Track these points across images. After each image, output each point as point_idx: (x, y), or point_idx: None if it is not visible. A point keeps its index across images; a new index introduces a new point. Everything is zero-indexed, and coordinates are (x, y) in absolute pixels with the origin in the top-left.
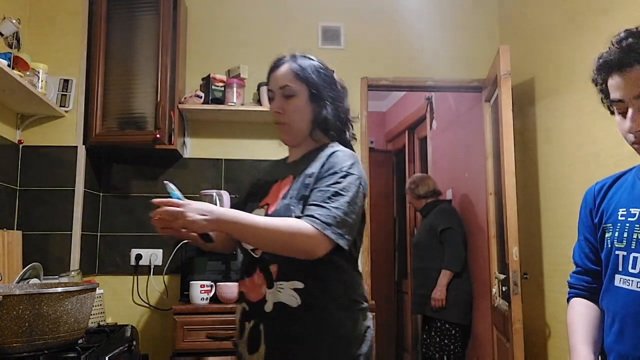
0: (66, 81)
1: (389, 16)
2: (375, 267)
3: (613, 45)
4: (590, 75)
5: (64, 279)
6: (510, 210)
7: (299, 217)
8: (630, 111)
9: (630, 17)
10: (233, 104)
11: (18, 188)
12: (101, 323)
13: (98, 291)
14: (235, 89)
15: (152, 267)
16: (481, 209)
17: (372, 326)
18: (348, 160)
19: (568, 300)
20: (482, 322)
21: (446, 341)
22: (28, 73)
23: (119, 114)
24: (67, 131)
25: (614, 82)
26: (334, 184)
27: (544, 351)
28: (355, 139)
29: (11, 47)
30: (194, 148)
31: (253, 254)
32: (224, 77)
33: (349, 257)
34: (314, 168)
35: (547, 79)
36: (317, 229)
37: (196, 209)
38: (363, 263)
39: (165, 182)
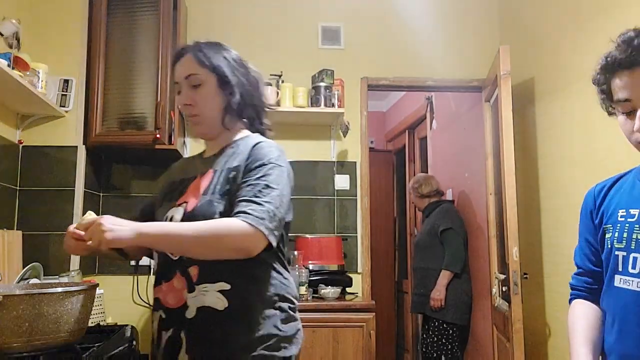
0: (66, 81)
1: (389, 16)
2: (375, 267)
3: (620, 44)
4: (592, 75)
5: (64, 279)
6: (510, 210)
7: (223, 213)
8: (639, 112)
9: (630, 17)
10: None
11: (18, 188)
12: (101, 323)
13: (98, 291)
14: None
15: (152, 267)
16: (481, 209)
17: (302, 329)
18: (274, 151)
19: (570, 301)
20: (482, 322)
21: (444, 340)
22: (28, 73)
23: (119, 114)
24: (67, 131)
25: (621, 81)
26: (263, 176)
27: (544, 351)
28: (270, 130)
29: (11, 47)
30: (194, 148)
31: (172, 257)
32: None
33: (277, 254)
34: (237, 161)
35: (547, 79)
36: (252, 225)
37: (114, 227)
38: (363, 263)
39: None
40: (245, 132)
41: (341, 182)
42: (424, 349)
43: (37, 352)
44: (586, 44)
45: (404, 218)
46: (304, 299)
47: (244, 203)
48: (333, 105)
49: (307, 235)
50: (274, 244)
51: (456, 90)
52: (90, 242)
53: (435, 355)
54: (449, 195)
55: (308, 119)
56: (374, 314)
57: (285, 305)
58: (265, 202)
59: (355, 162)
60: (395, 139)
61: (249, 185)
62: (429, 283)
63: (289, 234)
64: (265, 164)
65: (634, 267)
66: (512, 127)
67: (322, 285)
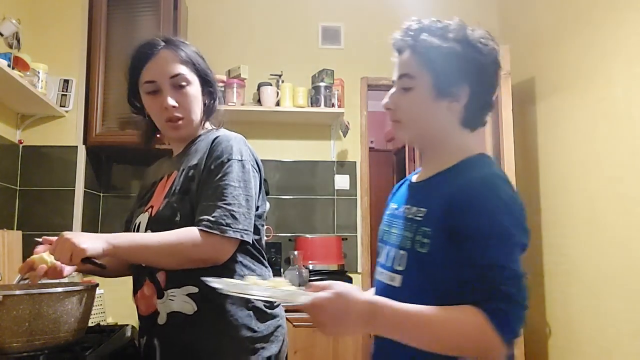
0: (66, 81)
1: (389, 16)
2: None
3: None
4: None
5: (64, 279)
6: None
7: (184, 215)
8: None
9: (630, 17)
10: (233, 104)
11: (18, 188)
12: (101, 323)
13: (98, 291)
14: (235, 89)
15: None
16: None
17: (284, 325)
18: (233, 145)
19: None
20: None
21: None
22: (28, 73)
23: (119, 114)
24: (67, 131)
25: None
26: (222, 176)
27: (544, 351)
28: (221, 122)
29: (11, 47)
30: None
31: (141, 264)
32: (224, 77)
33: (251, 249)
34: (197, 158)
35: (548, 79)
36: (216, 234)
37: (84, 237)
38: (363, 263)
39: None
40: (208, 126)
41: (341, 182)
42: None
43: (37, 352)
44: (586, 43)
45: None
46: None
47: (206, 209)
48: (333, 105)
49: (307, 235)
50: (250, 240)
51: None
52: (61, 258)
53: None
54: None
55: (308, 119)
56: None
57: (259, 303)
58: (228, 204)
59: (355, 162)
60: (395, 139)
61: (209, 188)
62: None
63: (290, 234)
64: (225, 162)
65: (385, 259)
66: (512, 127)
67: None
